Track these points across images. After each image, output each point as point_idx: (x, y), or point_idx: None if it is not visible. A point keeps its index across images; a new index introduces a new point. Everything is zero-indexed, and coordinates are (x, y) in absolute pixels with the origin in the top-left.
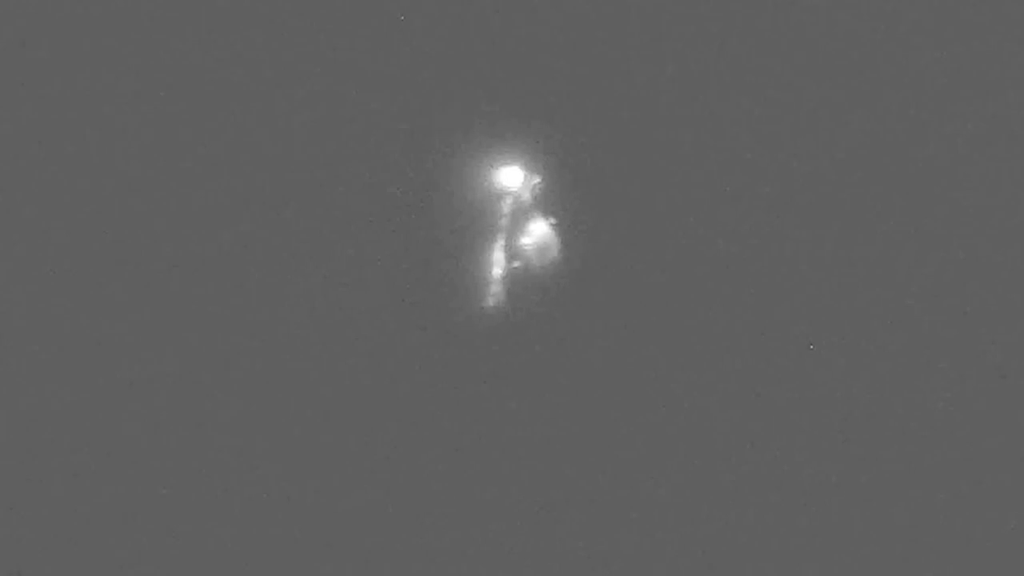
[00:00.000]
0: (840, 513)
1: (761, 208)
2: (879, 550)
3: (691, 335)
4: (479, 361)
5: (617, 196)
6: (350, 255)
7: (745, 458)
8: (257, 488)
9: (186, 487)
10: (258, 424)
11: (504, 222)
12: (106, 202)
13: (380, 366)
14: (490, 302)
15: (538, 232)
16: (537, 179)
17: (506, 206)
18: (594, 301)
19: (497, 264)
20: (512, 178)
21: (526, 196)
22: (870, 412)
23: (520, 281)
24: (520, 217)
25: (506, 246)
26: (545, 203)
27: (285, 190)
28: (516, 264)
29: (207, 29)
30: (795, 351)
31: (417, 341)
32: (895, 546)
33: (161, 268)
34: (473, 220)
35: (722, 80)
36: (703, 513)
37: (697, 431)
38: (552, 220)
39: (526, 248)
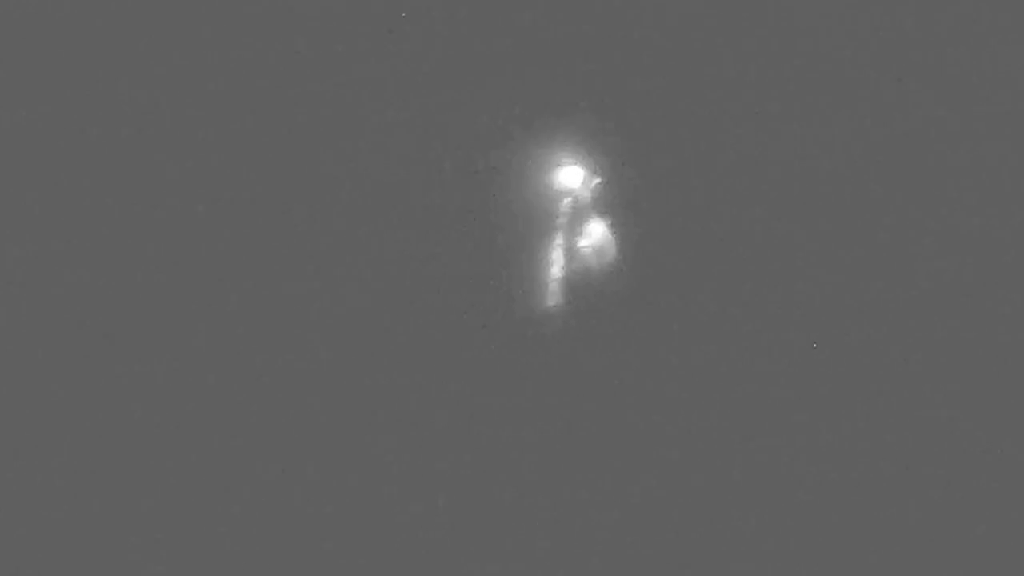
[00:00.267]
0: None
1: (831, 213)
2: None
3: (750, 340)
4: (537, 363)
5: (679, 197)
6: (409, 255)
7: (809, 461)
8: (312, 493)
9: (219, 489)
10: (319, 428)
11: (563, 222)
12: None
13: (439, 366)
14: (549, 303)
15: (597, 233)
16: (597, 179)
17: (565, 206)
18: (652, 304)
19: (556, 265)
20: (572, 177)
21: (586, 196)
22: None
23: (578, 282)
24: (579, 217)
25: (565, 247)
26: (604, 203)
27: (347, 190)
28: (574, 265)
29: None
30: (866, 357)
31: (475, 341)
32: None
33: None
34: (532, 220)
35: (790, 82)
36: (767, 517)
37: (757, 436)
38: (611, 221)
39: (584, 249)
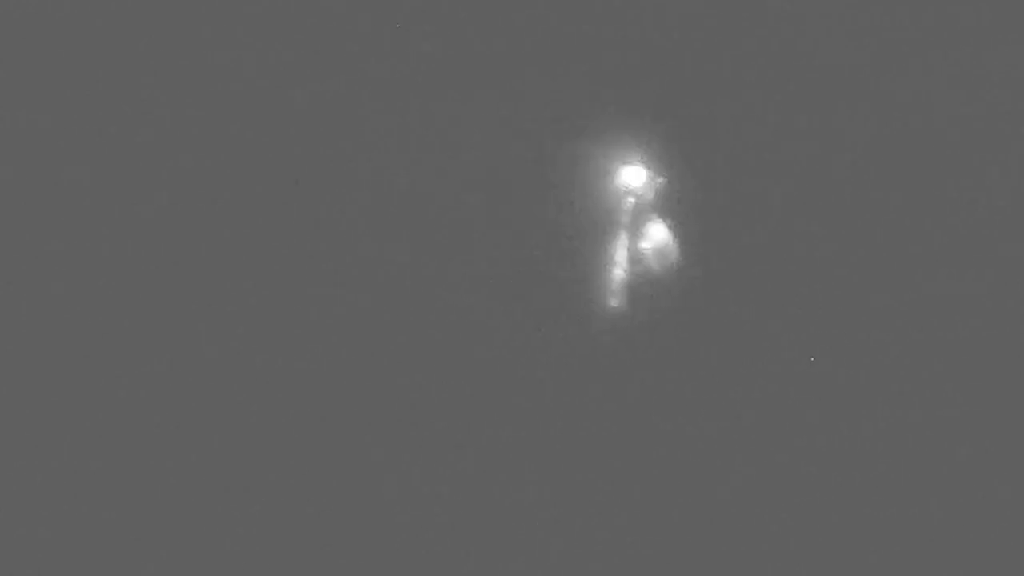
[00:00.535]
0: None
1: (907, 214)
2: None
3: (810, 346)
4: (596, 364)
5: (744, 200)
6: (470, 253)
7: (873, 463)
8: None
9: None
10: (375, 427)
11: (625, 221)
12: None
13: (498, 365)
14: (610, 304)
15: (659, 234)
16: (661, 178)
17: (628, 205)
18: (713, 308)
19: (617, 265)
20: (635, 177)
21: (649, 196)
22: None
23: (640, 284)
24: (641, 217)
25: (627, 247)
26: (667, 204)
27: (405, 187)
28: (636, 266)
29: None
30: (927, 359)
31: (535, 341)
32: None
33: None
34: (595, 219)
35: (858, 82)
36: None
37: (828, 443)
38: (674, 222)
39: (646, 250)
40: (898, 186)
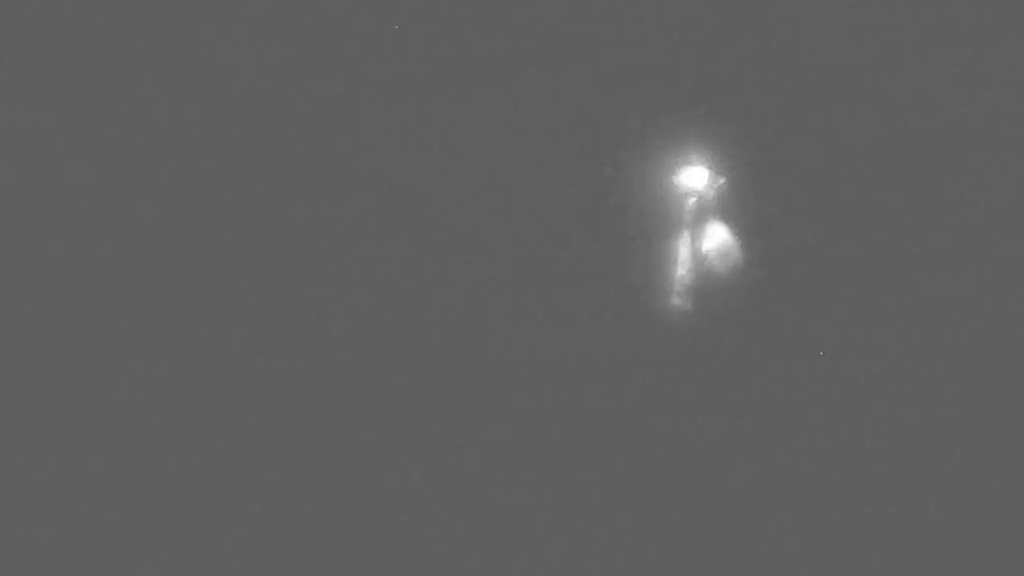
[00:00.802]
0: None
1: (968, 214)
2: None
3: (872, 346)
4: (658, 361)
5: (803, 199)
6: (537, 253)
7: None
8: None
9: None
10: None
11: (688, 220)
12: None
13: (563, 361)
14: (674, 303)
15: (720, 235)
16: (722, 179)
17: (690, 206)
18: (775, 308)
19: (680, 265)
20: (697, 178)
21: (710, 196)
22: None
23: (702, 284)
24: (704, 218)
25: (689, 247)
26: (729, 205)
27: (475, 186)
28: (698, 267)
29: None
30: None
31: (598, 339)
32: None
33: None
34: (657, 219)
35: (920, 81)
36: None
37: (897, 440)
38: (735, 223)
39: (709, 251)
40: (966, 188)
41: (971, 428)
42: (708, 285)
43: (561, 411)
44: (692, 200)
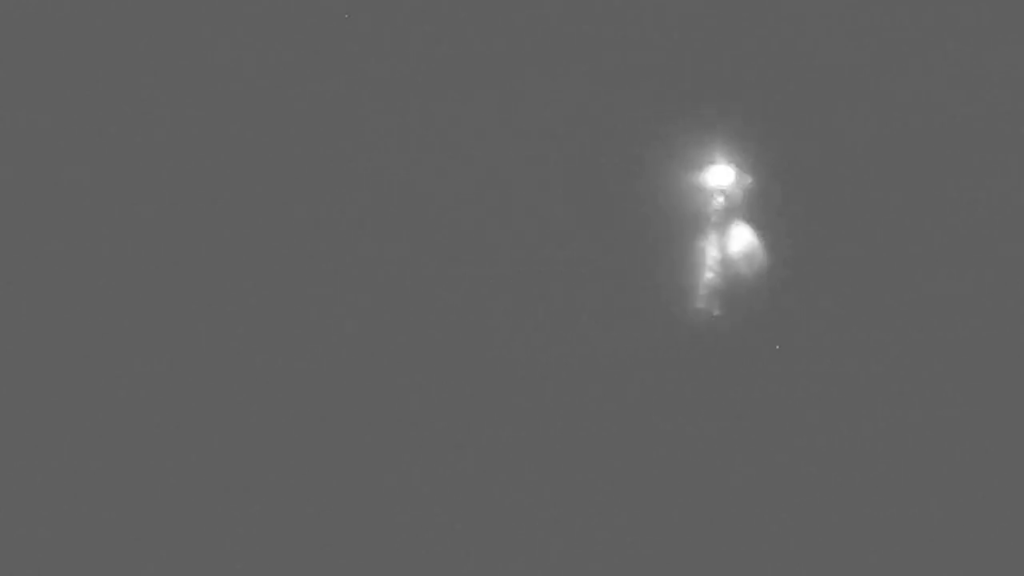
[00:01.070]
0: None
1: (993, 217)
2: None
3: (897, 348)
4: (683, 362)
5: (832, 202)
6: (559, 253)
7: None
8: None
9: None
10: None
11: (714, 220)
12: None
13: (585, 362)
14: (697, 304)
15: (746, 236)
16: (749, 179)
17: (716, 205)
18: (799, 311)
19: (705, 266)
20: (724, 177)
21: (737, 196)
22: None
23: (727, 285)
24: (729, 218)
25: (715, 247)
26: (755, 205)
27: (498, 184)
28: (723, 268)
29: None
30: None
31: (620, 339)
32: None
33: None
34: (683, 218)
35: (947, 84)
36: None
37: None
38: (761, 224)
39: (734, 252)
40: (997, 188)
41: (990, 430)
42: (733, 287)
43: (575, 412)
44: (719, 199)
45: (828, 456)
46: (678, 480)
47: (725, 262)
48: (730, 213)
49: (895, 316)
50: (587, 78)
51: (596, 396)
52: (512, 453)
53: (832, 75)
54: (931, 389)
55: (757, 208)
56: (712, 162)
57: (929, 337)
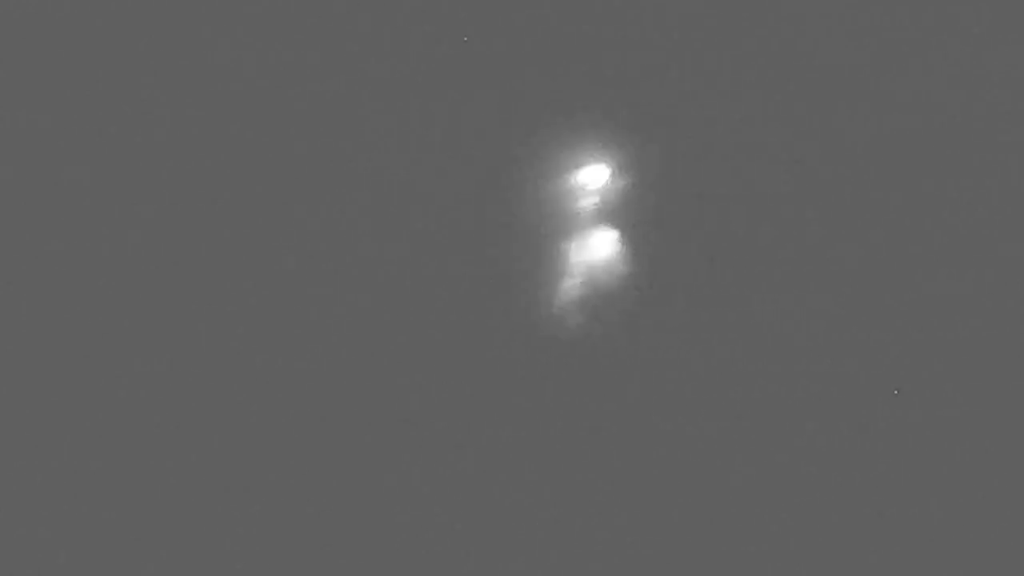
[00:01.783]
0: None
1: (860, 221)
2: None
3: (776, 353)
4: (540, 366)
5: (699, 200)
6: (417, 256)
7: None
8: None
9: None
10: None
11: (582, 221)
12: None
13: (448, 366)
14: (562, 303)
15: (616, 239)
16: (620, 180)
17: (586, 205)
18: (668, 313)
19: (569, 266)
20: (595, 177)
21: (608, 197)
22: None
23: (591, 286)
24: (598, 218)
25: (580, 248)
26: (626, 205)
27: (377, 190)
28: (589, 268)
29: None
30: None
31: (486, 341)
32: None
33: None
34: (549, 218)
35: (818, 84)
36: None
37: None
38: (630, 224)
39: (600, 252)
40: (865, 183)
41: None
42: (599, 292)
43: (431, 416)
44: (591, 201)
45: (694, 465)
46: (530, 484)
47: (591, 266)
48: (601, 215)
49: (765, 321)
50: (460, 73)
51: (456, 401)
52: (356, 459)
53: (715, 73)
54: (789, 398)
55: (631, 210)
56: (586, 162)
57: (800, 341)
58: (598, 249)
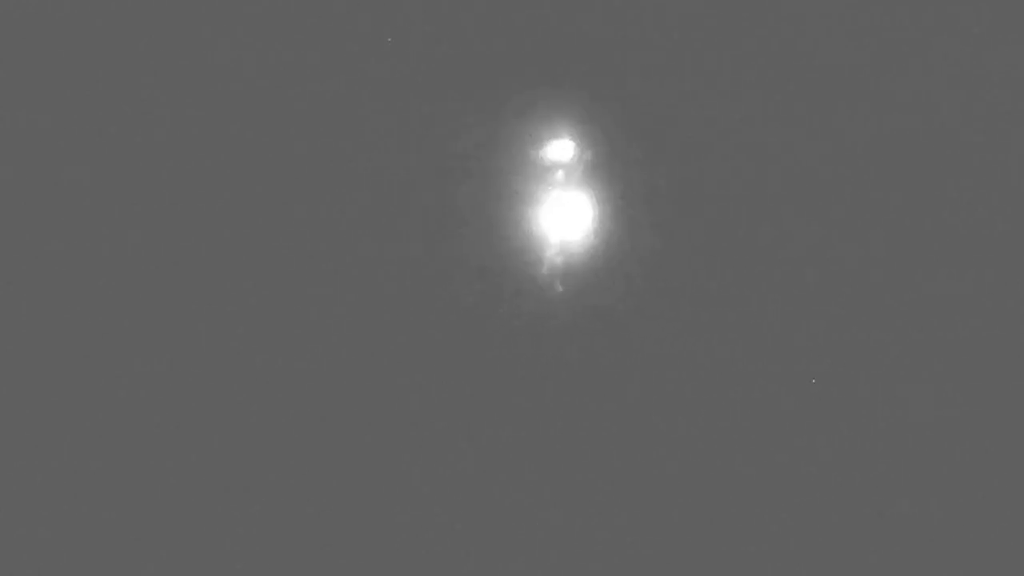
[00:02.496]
0: None
1: (842, 213)
2: None
3: (754, 333)
4: (508, 351)
5: (677, 179)
6: (386, 241)
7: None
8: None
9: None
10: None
11: (549, 197)
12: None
13: (401, 352)
14: (535, 282)
15: (584, 212)
16: (588, 153)
17: (552, 180)
18: (638, 294)
19: (536, 245)
20: (561, 151)
21: (575, 172)
22: None
23: (559, 264)
24: (565, 194)
25: (548, 225)
26: (594, 180)
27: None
28: (557, 246)
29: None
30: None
31: (443, 327)
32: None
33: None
34: (514, 193)
35: (796, 71)
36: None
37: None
38: (601, 200)
39: (570, 230)
40: (840, 175)
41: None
42: (562, 268)
43: (408, 411)
44: (557, 174)
45: (694, 465)
46: (517, 474)
47: (561, 238)
48: (568, 189)
49: (765, 320)
50: (419, 46)
51: (456, 401)
52: (347, 459)
53: (684, 48)
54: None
55: (597, 184)
56: (552, 136)
57: (800, 341)
58: (564, 221)
